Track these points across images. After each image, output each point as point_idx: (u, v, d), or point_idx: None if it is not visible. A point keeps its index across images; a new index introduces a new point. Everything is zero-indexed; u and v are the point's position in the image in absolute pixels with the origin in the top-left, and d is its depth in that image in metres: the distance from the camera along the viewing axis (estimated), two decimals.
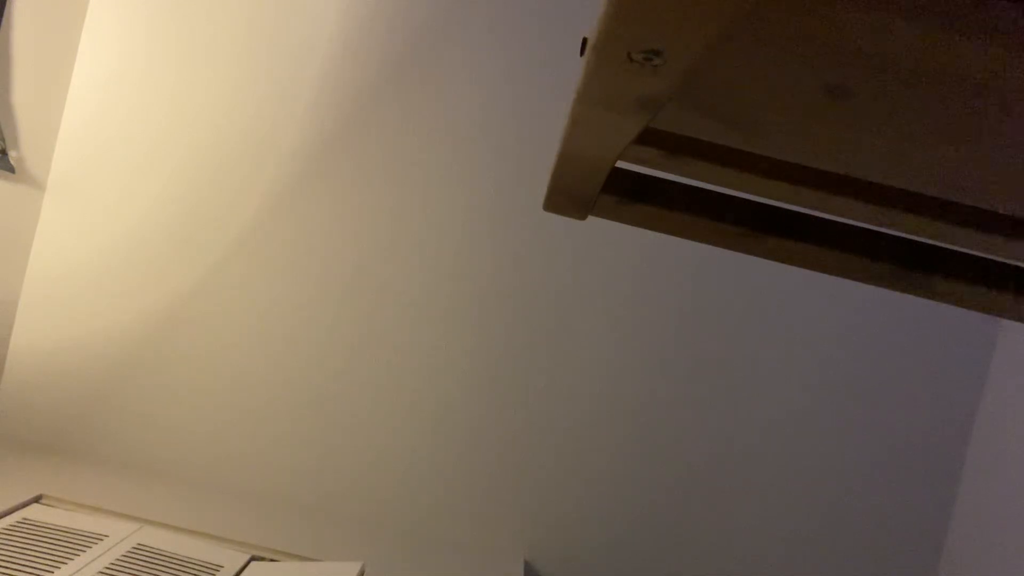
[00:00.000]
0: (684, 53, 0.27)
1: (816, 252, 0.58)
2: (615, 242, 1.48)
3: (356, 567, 1.17)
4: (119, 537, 1.15)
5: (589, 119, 0.37)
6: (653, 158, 0.53)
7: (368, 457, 1.48)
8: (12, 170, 1.38)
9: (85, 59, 1.48)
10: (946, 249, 0.58)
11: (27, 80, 1.37)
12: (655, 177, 0.58)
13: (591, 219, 1.50)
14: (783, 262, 0.60)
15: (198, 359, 1.48)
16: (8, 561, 1.01)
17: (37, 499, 1.23)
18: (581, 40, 0.34)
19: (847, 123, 0.41)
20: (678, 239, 1.47)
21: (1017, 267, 0.57)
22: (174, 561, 1.11)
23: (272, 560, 1.20)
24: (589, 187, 0.52)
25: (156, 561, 1.10)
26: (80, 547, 1.09)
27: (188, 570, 1.10)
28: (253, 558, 1.19)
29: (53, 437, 1.48)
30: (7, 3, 1.30)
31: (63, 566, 1.02)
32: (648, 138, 0.52)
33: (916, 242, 0.58)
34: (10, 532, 1.09)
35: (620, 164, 0.54)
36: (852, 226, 0.58)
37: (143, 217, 1.48)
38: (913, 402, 1.46)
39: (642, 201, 0.57)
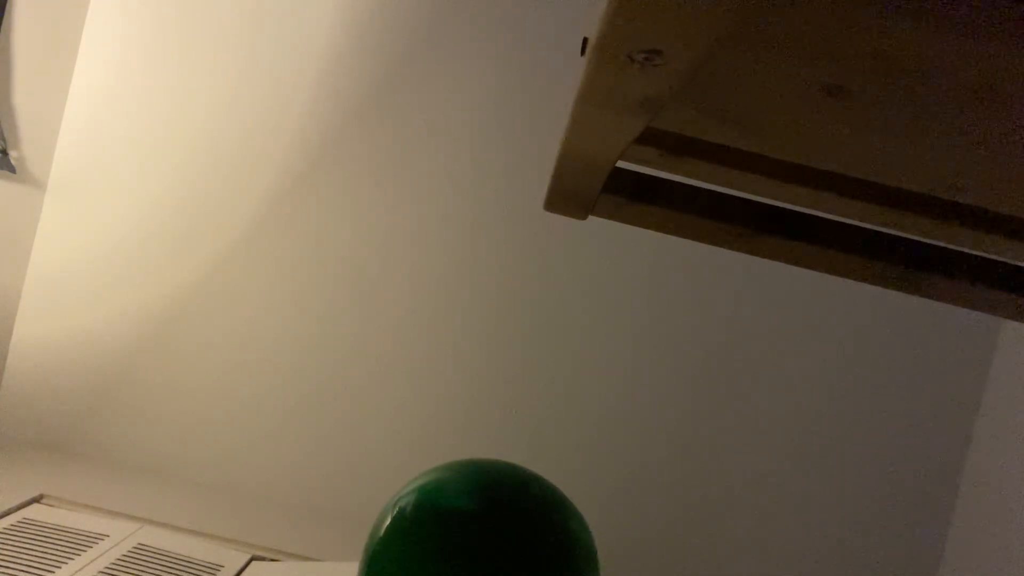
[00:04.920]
0: (684, 53, 0.27)
1: (816, 252, 0.58)
2: (615, 242, 1.48)
3: (356, 567, 1.17)
4: (119, 537, 1.15)
5: (589, 119, 0.37)
6: (653, 158, 0.53)
7: (369, 457, 1.48)
8: (13, 170, 1.38)
9: (85, 59, 1.48)
10: (946, 249, 0.58)
11: (27, 80, 1.37)
12: (655, 177, 0.58)
13: (594, 219, 1.50)
14: (783, 262, 0.60)
15: (198, 359, 1.48)
16: (8, 561, 1.01)
17: (37, 499, 1.23)
18: (581, 40, 0.34)
19: (847, 123, 0.41)
20: (678, 239, 1.47)
21: (1017, 267, 0.57)
22: (174, 561, 1.11)
23: (272, 560, 1.20)
24: (590, 187, 0.52)
25: (156, 561, 1.10)
26: (80, 547, 1.09)
27: (188, 570, 1.10)
28: (253, 558, 1.19)
29: (53, 437, 1.48)
30: (7, 3, 1.30)
31: (63, 566, 1.02)
32: (648, 138, 0.52)
33: (916, 242, 0.58)
34: (10, 532, 1.09)
35: (620, 164, 0.54)
36: (852, 226, 0.58)
37: (143, 217, 1.48)
38: (913, 402, 1.46)
39: (642, 201, 0.58)
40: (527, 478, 0.85)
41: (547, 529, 0.80)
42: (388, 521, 0.83)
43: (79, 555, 1.06)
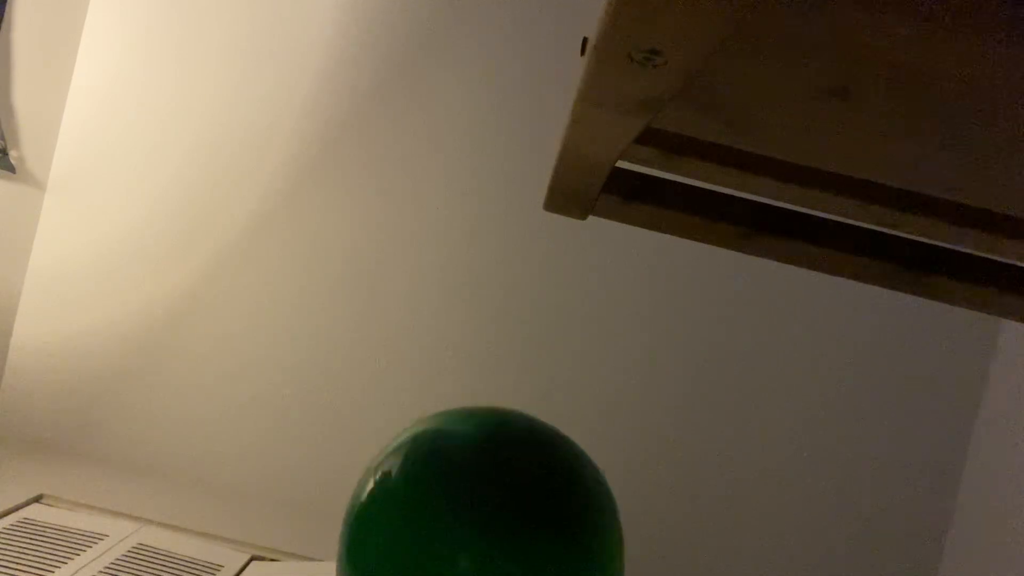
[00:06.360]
0: (684, 53, 0.27)
1: (816, 252, 0.58)
2: (615, 243, 1.48)
3: None
4: (119, 537, 1.15)
5: (589, 119, 0.37)
6: (653, 158, 0.53)
7: (370, 456, 1.48)
8: (12, 170, 1.38)
9: (85, 59, 1.48)
10: (946, 249, 0.58)
11: (27, 80, 1.37)
12: (655, 177, 0.58)
13: (593, 220, 1.50)
14: (783, 262, 0.60)
15: (198, 359, 1.48)
16: (8, 561, 1.01)
17: (37, 499, 1.23)
18: (581, 40, 0.34)
19: (846, 123, 0.41)
20: (678, 239, 1.46)
21: (1017, 267, 0.57)
22: (174, 561, 1.11)
23: (272, 560, 1.20)
24: (589, 187, 0.52)
25: (156, 561, 1.10)
26: (80, 547, 1.09)
27: (188, 570, 1.10)
28: (253, 558, 1.19)
29: (53, 436, 1.47)
30: (7, 3, 1.30)
31: (63, 566, 1.02)
32: (648, 138, 0.52)
33: (916, 242, 0.58)
34: (10, 532, 1.09)
35: (620, 164, 0.54)
36: (852, 226, 0.58)
37: (143, 216, 1.48)
38: (913, 402, 1.46)
39: (642, 201, 0.57)
40: (526, 416, 0.80)
41: (560, 458, 0.74)
42: (378, 472, 0.76)
43: (79, 555, 1.06)
